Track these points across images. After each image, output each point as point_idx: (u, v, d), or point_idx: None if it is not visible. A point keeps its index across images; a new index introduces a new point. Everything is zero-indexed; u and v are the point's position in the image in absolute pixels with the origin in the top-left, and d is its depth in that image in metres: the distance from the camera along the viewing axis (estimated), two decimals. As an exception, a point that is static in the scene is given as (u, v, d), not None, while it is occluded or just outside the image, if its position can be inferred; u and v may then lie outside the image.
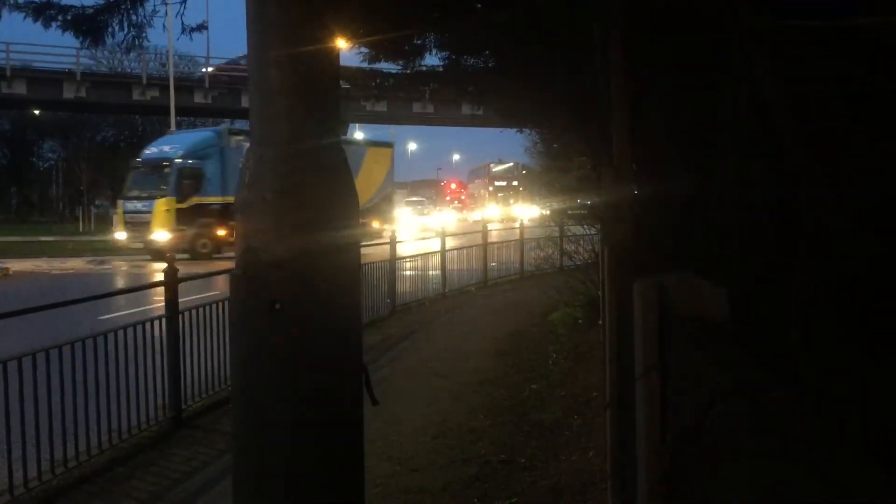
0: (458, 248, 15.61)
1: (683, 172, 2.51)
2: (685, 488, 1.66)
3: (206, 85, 40.87)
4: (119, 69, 47.37)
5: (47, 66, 39.02)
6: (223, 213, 24.23)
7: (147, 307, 8.20)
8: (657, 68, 2.76)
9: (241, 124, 59.72)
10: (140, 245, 24.39)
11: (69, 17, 5.64)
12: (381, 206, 31.93)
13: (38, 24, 5.63)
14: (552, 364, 7.79)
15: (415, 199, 57.81)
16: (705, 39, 2.09)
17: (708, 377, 1.36)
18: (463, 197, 74.63)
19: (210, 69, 41.15)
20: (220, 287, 8.17)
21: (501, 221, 21.45)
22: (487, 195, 54.78)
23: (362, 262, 3.29)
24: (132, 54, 39.96)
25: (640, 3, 2.76)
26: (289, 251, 1.95)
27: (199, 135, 28.83)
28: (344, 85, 8.89)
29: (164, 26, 6.35)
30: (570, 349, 8.26)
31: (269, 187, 1.97)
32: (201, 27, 6.86)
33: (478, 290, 14.81)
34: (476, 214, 49.58)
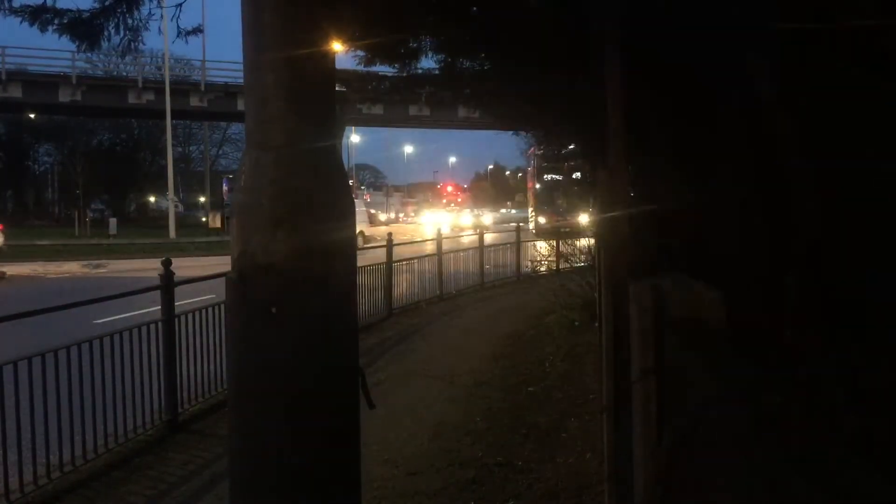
0: (455, 251, 15.61)
1: (679, 176, 2.51)
2: (682, 490, 1.66)
3: (203, 88, 40.87)
4: (115, 73, 47.34)
5: (43, 69, 38.98)
6: None
7: (143, 311, 8.18)
8: (653, 71, 2.76)
9: (237, 127, 59.97)
10: None
11: (65, 21, 5.64)
12: None
13: (34, 27, 5.63)
14: (549, 367, 7.79)
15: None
16: (701, 43, 2.10)
17: (704, 379, 1.37)
18: (459, 199, 74.73)
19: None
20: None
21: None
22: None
23: (359, 265, 3.31)
24: (128, 58, 39.95)
25: (637, 6, 2.77)
26: (285, 255, 1.95)
27: None
28: (340, 88, 8.90)
29: (159, 30, 6.33)
30: (566, 352, 8.26)
31: (265, 191, 1.97)
32: (197, 30, 6.86)
33: (475, 293, 14.80)
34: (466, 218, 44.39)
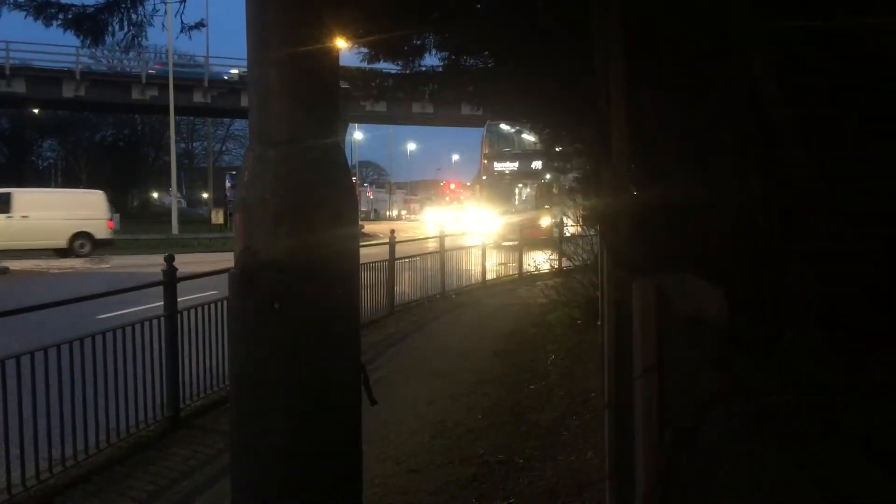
0: (458, 249, 15.61)
1: (682, 173, 2.51)
2: (683, 488, 1.66)
3: (206, 84, 40.87)
4: (118, 68, 47.36)
5: (47, 64, 39.05)
6: None
7: (146, 306, 8.19)
8: (656, 69, 2.76)
9: (241, 124, 59.99)
10: None
11: (70, 16, 5.65)
12: None
13: (39, 22, 5.64)
14: (550, 364, 7.79)
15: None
16: (704, 40, 2.10)
17: (705, 377, 1.37)
18: (462, 198, 74.54)
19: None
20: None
21: None
22: None
23: (361, 262, 3.30)
24: (131, 53, 40.00)
25: (639, 2, 2.77)
26: (288, 251, 1.95)
27: None
28: (343, 85, 8.89)
29: (163, 25, 6.36)
30: (568, 350, 8.26)
31: (268, 187, 1.97)
32: (200, 25, 6.88)
33: (477, 291, 14.80)
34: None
